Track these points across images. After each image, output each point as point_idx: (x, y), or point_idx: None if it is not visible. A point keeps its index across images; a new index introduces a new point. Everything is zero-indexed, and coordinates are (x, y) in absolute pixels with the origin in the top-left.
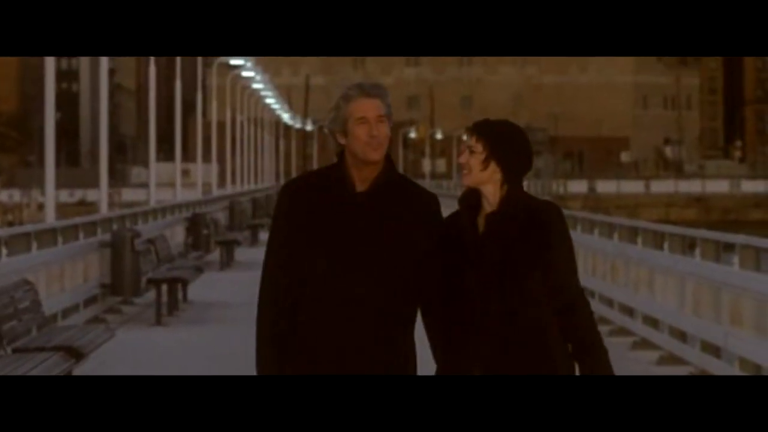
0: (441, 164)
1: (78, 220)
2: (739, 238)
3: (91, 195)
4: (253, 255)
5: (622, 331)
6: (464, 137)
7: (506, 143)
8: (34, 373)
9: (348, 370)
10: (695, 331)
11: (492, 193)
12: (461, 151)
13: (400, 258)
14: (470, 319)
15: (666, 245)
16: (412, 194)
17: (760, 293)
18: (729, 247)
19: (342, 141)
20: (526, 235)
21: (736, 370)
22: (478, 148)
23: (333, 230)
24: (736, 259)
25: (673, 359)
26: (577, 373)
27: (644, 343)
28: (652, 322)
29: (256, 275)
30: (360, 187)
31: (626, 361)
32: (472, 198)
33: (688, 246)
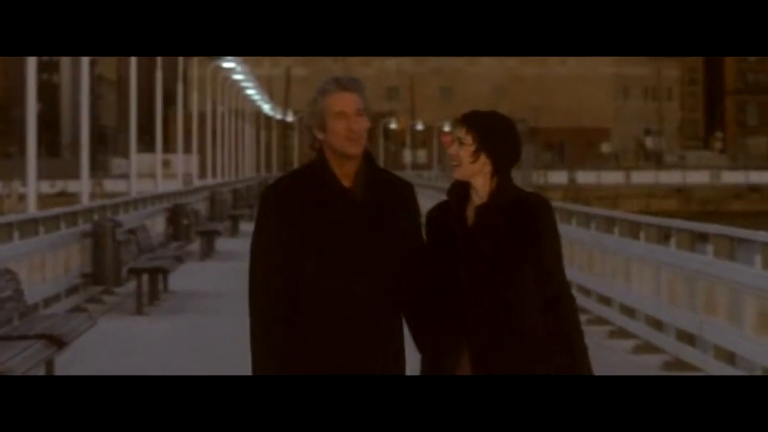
0: (422, 155)
1: (59, 210)
2: (713, 228)
3: (71, 186)
4: (233, 245)
5: (599, 321)
6: (446, 128)
7: (496, 135)
8: (16, 360)
9: (344, 367)
10: (670, 320)
11: (482, 185)
12: (450, 143)
13: (392, 253)
14: (464, 314)
15: (642, 235)
16: (393, 186)
17: (734, 282)
18: (703, 237)
19: (320, 136)
20: (516, 227)
21: (710, 359)
22: (468, 139)
23: (325, 228)
24: (710, 249)
25: (648, 348)
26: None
27: (621, 332)
28: (629, 311)
29: (235, 265)
30: (344, 182)
31: (602, 349)
32: (460, 190)
33: (664, 236)
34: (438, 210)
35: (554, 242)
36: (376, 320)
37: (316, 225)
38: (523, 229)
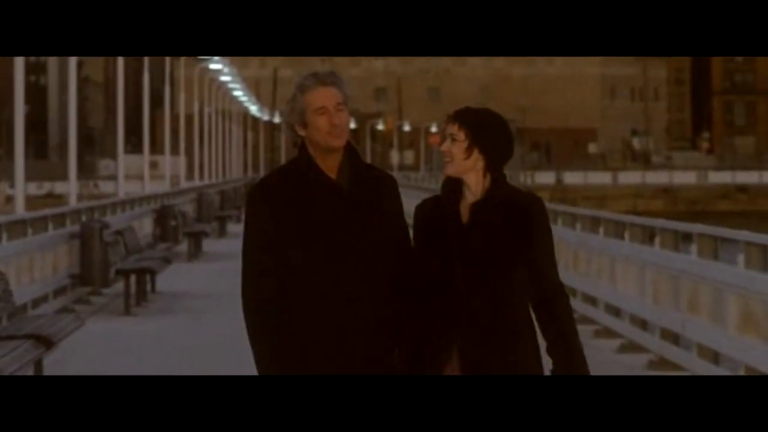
0: (409, 156)
1: (48, 211)
2: (696, 228)
3: (59, 187)
4: (220, 246)
5: (585, 320)
6: (433, 129)
7: (488, 131)
8: (5, 360)
9: (335, 364)
10: (655, 319)
11: (474, 182)
12: (438, 142)
13: (381, 247)
14: (455, 312)
15: (627, 235)
16: (377, 179)
17: (717, 281)
18: (687, 237)
19: (302, 132)
20: (510, 226)
21: (694, 357)
22: (461, 136)
23: (312, 222)
24: (694, 248)
25: (633, 347)
26: (550, 368)
27: (606, 332)
28: (614, 311)
29: (223, 266)
30: (329, 175)
31: (588, 348)
32: (453, 186)
33: (649, 236)
34: (428, 206)
35: (548, 241)
36: (367, 316)
37: (303, 220)
38: (517, 228)
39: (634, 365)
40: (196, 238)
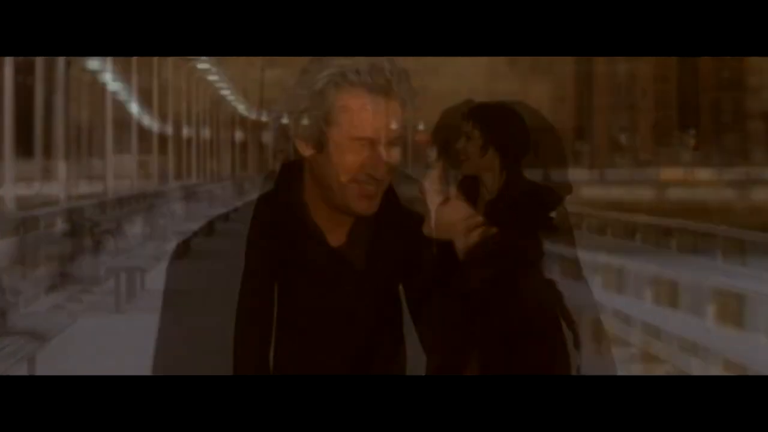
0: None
1: (38, 211)
2: (675, 223)
3: (47, 187)
4: (209, 245)
5: None
6: (420, 127)
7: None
8: None
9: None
10: (637, 314)
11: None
12: (427, 138)
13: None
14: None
15: (609, 231)
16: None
17: (695, 275)
18: (667, 232)
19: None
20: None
21: (675, 349)
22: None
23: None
24: (673, 243)
25: (616, 341)
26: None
27: None
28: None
29: (211, 265)
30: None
31: None
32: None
33: (631, 231)
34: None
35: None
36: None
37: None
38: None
39: (617, 359)
40: (185, 236)
